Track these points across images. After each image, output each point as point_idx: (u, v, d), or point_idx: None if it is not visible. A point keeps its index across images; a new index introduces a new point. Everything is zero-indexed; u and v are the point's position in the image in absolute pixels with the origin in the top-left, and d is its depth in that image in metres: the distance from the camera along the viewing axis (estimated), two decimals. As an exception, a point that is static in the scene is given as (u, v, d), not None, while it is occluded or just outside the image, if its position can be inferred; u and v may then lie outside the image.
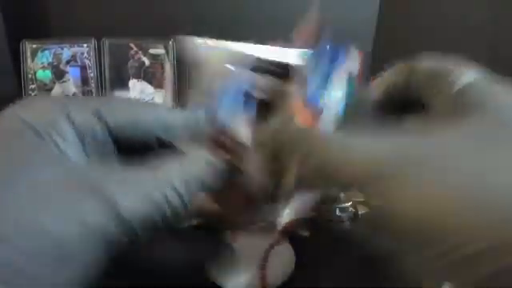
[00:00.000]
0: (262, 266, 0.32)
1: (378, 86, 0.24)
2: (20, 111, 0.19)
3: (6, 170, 0.17)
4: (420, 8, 0.76)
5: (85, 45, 0.56)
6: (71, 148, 0.20)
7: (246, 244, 0.29)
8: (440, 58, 0.23)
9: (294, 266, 0.32)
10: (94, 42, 0.56)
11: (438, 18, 0.75)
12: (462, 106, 0.18)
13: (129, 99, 0.24)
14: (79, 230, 0.16)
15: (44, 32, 0.72)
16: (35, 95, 0.56)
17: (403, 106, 0.23)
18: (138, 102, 0.25)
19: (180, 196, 0.19)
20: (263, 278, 0.31)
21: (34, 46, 0.55)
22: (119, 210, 0.17)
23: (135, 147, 0.22)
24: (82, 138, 0.20)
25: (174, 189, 0.19)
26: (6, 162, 0.18)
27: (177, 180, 0.19)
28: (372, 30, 0.80)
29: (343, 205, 0.40)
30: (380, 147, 0.17)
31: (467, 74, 0.20)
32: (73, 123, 0.20)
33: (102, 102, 0.22)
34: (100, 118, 0.21)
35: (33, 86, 0.55)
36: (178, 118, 0.23)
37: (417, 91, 0.23)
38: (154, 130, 0.22)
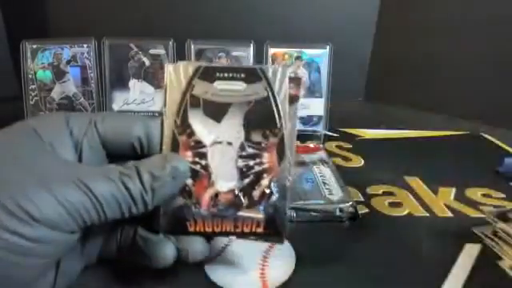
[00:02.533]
0: (262, 266, 0.32)
1: None
2: (32, 121, 0.26)
3: (12, 161, 0.23)
4: (420, 8, 0.76)
5: (85, 45, 0.56)
6: (66, 152, 0.26)
7: (246, 244, 0.29)
8: None
9: (294, 266, 0.32)
10: (94, 42, 0.56)
11: (438, 17, 0.75)
12: None
13: (120, 113, 0.32)
14: (63, 208, 0.21)
15: (44, 32, 0.72)
16: (36, 98, 0.56)
17: None
18: (125, 114, 0.30)
19: (134, 181, 0.23)
20: (263, 277, 0.31)
21: (34, 46, 0.55)
22: (93, 191, 0.22)
23: (121, 156, 0.27)
24: (76, 144, 0.26)
25: (129, 176, 0.24)
26: (13, 156, 0.23)
27: (132, 172, 0.24)
28: (372, 29, 0.80)
29: (343, 205, 0.40)
30: None
31: None
32: (71, 132, 0.26)
33: (95, 114, 0.29)
34: (91, 122, 0.27)
35: (33, 87, 0.55)
36: (157, 125, 0.27)
37: None
38: (136, 133, 0.27)
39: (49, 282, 0.25)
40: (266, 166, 0.27)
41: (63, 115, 0.27)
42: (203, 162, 0.27)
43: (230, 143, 0.27)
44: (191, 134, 0.27)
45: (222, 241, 0.34)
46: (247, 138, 0.27)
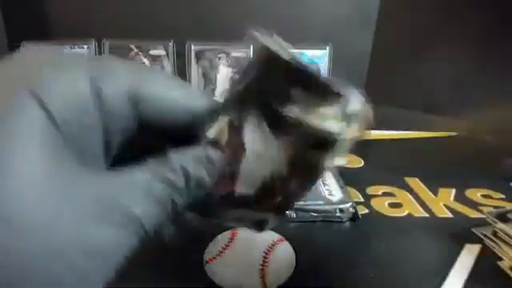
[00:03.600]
0: (262, 266, 0.32)
1: None
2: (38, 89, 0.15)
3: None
4: (420, 8, 0.76)
5: (85, 46, 0.56)
6: (93, 147, 0.18)
7: (246, 244, 0.29)
8: None
9: (294, 266, 0.32)
10: (94, 42, 0.56)
11: (438, 17, 0.75)
12: None
13: (163, 76, 0.19)
14: (116, 233, 0.16)
15: (44, 33, 0.72)
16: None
17: None
18: (174, 85, 0.21)
19: (182, 195, 0.18)
20: (263, 277, 0.31)
21: (35, 46, 0.55)
22: (140, 220, 0.16)
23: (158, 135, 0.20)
24: (106, 133, 0.18)
25: (179, 192, 0.18)
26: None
27: (180, 180, 0.18)
28: (372, 29, 0.80)
29: (343, 205, 0.40)
30: None
31: None
32: (103, 110, 0.17)
33: (135, 80, 0.18)
34: (134, 104, 0.18)
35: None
36: (204, 105, 0.21)
37: None
38: (180, 116, 0.20)
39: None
40: None
41: (88, 78, 0.17)
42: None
43: None
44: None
45: (222, 241, 0.34)
46: None
